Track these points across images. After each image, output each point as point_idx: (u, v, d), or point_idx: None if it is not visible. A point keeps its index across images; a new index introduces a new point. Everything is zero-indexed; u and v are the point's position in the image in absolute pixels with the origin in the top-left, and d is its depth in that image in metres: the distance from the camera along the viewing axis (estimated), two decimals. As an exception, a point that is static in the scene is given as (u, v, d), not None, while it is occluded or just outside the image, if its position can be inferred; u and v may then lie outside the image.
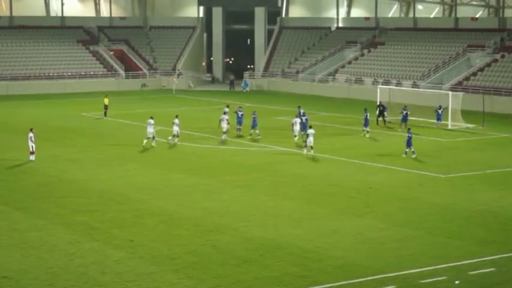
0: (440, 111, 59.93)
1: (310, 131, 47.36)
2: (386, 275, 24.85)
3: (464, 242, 28.88)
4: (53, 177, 40.41)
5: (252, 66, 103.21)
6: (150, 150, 48.81)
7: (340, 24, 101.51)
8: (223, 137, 52.64)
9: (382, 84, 77.71)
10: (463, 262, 26.25)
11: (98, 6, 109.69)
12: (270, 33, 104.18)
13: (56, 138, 53.76)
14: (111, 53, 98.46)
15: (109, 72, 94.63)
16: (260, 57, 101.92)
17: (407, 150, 46.64)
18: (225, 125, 52.69)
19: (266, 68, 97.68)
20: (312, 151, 47.03)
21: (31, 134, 44.63)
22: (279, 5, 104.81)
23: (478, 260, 26.57)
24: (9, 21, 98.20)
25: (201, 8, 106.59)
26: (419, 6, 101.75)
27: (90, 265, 25.78)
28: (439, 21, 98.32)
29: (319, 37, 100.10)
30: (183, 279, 24.58)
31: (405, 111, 58.27)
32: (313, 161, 45.61)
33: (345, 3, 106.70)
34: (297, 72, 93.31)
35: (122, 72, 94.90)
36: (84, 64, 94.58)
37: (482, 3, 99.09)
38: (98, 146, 50.70)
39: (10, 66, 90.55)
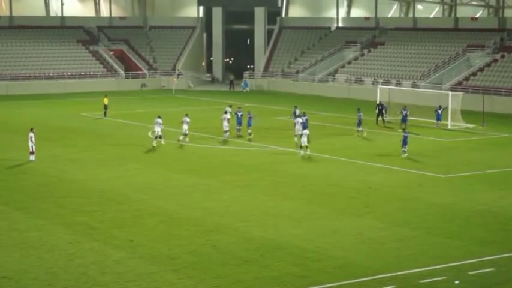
0: (440, 111, 59.94)
1: (305, 132, 47.50)
2: (386, 275, 24.86)
3: (464, 242, 28.89)
4: (53, 177, 40.43)
5: (251, 66, 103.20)
6: (150, 150, 48.80)
7: (340, 24, 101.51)
8: (225, 135, 52.84)
9: (382, 84, 77.69)
10: (462, 262, 26.26)
11: (97, 6, 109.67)
12: (269, 33, 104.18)
13: (56, 138, 53.76)
14: (111, 53, 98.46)
15: (109, 72, 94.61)
16: (260, 57, 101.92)
17: (405, 150, 46.60)
18: (226, 125, 52.94)
19: (266, 68, 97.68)
20: (308, 150, 46.98)
21: (31, 134, 44.63)
22: (279, 5, 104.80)
23: (478, 260, 26.58)
24: (9, 21, 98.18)
25: (201, 8, 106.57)
26: (419, 6, 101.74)
27: (90, 265, 25.79)
28: (439, 21, 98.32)
29: (319, 37, 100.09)
30: (183, 279, 24.59)
31: (405, 111, 58.28)
32: (313, 161, 45.62)
33: (345, 3, 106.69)
34: (297, 72, 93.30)
35: (121, 72, 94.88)
36: (84, 64, 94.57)
37: (482, 3, 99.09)
38: (97, 146, 50.71)
39: (10, 66, 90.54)
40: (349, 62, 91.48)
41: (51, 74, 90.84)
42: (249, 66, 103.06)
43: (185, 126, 51.33)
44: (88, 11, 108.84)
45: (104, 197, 35.87)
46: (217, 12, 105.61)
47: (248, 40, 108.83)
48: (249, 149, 49.87)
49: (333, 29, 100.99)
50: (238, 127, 55.20)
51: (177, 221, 31.65)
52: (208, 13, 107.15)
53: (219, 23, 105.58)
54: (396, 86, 78.64)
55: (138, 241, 28.63)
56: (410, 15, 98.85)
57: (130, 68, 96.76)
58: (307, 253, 27.22)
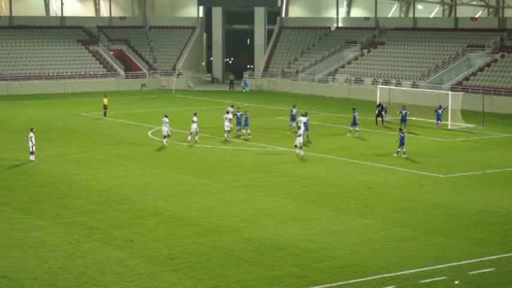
0: (440, 111, 59.95)
1: (300, 132, 47.45)
2: (386, 275, 24.86)
3: (464, 242, 28.89)
4: (53, 177, 40.43)
5: (251, 66, 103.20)
6: (150, 150, 48.81)
7: (340, 24, 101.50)
8: (226, 135, 52.88)
9: (382, 84, 77.67)
10: (462, 262, 26.25)
11: (97, 6, 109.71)
12: (269, 33, 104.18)
13: (56, 138, 53.77)
14: (111, 53, 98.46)
15: (109, 72, 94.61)
16: (260, 57, 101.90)
17: (404, 150, 46.59)
18: (228, 124, 52.99)
19: (266, 68, 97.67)
20: (302, 151, 46.69)
21: (31, 134, 44.62)
22: (279, 5, 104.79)
23: (478, 260, 26.58)
24: (9, 21, 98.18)
25: (201, 8, 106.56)
26: (419, 6, 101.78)
27: (90, 265, 25.80)
28: (439, 21, 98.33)
29: (319, 37, 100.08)
30: (183, 279, 24.59)
31: (404, 111, 58.28)
32: (313, 161, 45.59)
33: (345, 3, 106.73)
34: (297, 72, 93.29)
35: (121, 72, 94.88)
36: (84, 64, 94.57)
37: (482, 3, 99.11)
38: (98, 146, 50.71)
39: (10, 66, 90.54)
40: (349, 62, 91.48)
41: (51, 74, 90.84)
42: (248, 66, 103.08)
43: (194, 126, 51.12)
44: (88, 11, 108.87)
45: (104, 197, 35.87)
46: (217, 12, 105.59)
47: (248, 40, 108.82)
48: (249, 149, 49.87)
49: (332, 29, 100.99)
50: (238, 127, 55.24)
51: (177, 221, 31.64)
52: (208, 13, 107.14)
53: (219, 23, 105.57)
54: (396, 86, 78.63)
55: (138, 241, 28.63)
56: (410, 15, 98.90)
57: (130, 68, 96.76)
58: (307, 253, 27.22)
